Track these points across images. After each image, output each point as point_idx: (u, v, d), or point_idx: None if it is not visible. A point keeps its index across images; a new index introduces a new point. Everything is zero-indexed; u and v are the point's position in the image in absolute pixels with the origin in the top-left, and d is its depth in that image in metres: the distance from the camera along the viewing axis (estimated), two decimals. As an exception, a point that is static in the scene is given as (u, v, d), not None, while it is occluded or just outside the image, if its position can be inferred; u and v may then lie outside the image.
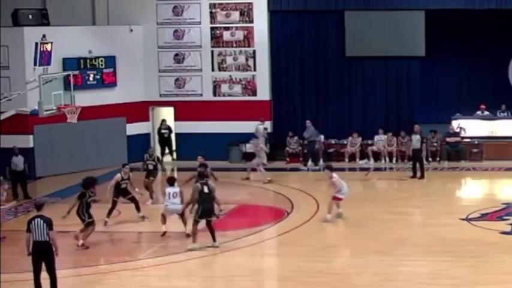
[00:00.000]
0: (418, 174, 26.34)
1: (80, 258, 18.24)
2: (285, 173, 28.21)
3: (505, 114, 30.22)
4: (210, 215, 18.56)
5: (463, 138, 29.39)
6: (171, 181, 19.99)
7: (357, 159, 29.38)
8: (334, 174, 21.00)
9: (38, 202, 16.05)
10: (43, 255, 15.08)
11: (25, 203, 24.09)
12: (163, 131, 30.41)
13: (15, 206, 23.43)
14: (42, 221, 15.08)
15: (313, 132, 28.96)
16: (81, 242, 18.86)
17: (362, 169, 28.45)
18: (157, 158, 24.54)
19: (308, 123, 29.02)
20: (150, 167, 23.70)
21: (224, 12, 29.94)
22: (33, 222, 15.10)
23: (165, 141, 30.50)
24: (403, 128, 29.11)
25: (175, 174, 28.12)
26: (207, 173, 20.59)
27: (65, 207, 19.63)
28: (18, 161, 24.82)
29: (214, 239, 18.61)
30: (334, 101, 30.05)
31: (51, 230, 15.13)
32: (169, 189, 19.73)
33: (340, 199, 20.86)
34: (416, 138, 26.50)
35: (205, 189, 18.50)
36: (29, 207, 23.50)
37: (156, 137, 30.62)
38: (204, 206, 18.43)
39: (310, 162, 28.99)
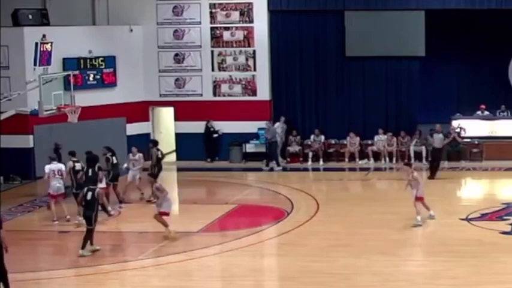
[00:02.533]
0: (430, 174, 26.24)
1: (80, 258, 18.21)
2: (285, 173, 28.21)
3: (505, 114, 30.20)
4: (88, 222, 18.35)
5: (463, 138, 29.38)
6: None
7: (357, 159, 29.38)
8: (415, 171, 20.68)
9: None
10: None
11: (29, 201, 24.12)
12: (211, 129, 29.67)
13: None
14: None
15: (273, 133, 28.89)
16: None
17: (362, 169, 28.43)
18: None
19: (268, 124, 29.01)
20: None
21: (224, 12, 29.92)
22: None
23: (215, 143, 29.68)
24: (403, 128, 29.13)
25: (175, 175, 28.22)
26: (99, 176, 20.84)
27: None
28: None
29: (91, 243, 18.43)
30: (334, 101, 30.02)
31: (1, 229, 15.16)
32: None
33: (422, 198, 20.37)
34: (439, 137, 26.41)
35: (88, 196, 18.43)
36: (29, 206, 23.53)
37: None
38: (84, 214, 18.66)
39: (273, 163, 28.67)
